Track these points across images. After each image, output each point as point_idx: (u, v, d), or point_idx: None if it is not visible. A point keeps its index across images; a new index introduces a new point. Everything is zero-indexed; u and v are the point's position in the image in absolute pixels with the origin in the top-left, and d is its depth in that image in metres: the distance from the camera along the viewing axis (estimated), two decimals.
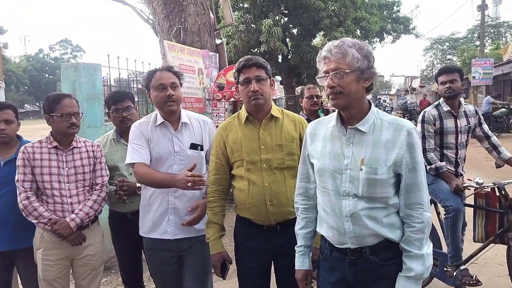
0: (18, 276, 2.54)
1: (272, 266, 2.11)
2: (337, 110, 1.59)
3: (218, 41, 6.70)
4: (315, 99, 3.60)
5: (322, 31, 15.08)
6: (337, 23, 13.74)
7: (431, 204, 2.98)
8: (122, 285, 2.88)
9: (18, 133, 2.56)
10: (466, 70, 18.23)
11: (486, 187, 2.92)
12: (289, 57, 15.62)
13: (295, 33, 16.10)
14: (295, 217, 1.86)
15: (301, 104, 3.76)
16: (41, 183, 2.26)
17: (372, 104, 1.59)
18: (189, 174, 1.90)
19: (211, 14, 6.44)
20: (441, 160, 3.10)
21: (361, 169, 1.50)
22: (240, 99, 5.21)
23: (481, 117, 3.23)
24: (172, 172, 2.12)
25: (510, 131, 13.93)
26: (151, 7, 6.22)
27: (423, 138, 3.08)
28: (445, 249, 3.07)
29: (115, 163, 2.63)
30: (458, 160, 3.14)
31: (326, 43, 1.59)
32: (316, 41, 17.46)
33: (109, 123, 3.91)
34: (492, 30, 38.57)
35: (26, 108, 57.93)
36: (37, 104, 56.90)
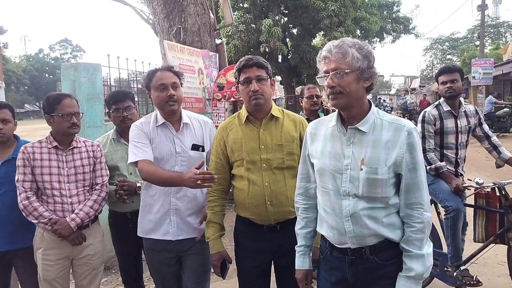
0: (17, 277, 2.53)
1: (272, 266, 2.11)
2: (337, 110, 1.59)
3: (218, 41, 6.70)
4: (315, 99, 3.60)
5: (322, 31, 15.08)
6: (337, 23, 13.73)
7: (431, 204, 2.98)
8: (122, 285, 2.88)
9: (18, 133, 2.56)
10: (466, 70, 18.21)
11: (486, 187, 2.92)
12: (289, 57, 15.62)
13: (295, 33, 16.10)
14: (295, 217, 1.86)
15: (301, 104, 3.76)
16: (41, 183, 2.26)
17: (372, 104, 1.59)
18: (197, 172, 1.85)
19: (211, 14, 6.44)
20: (441, 160, 3.09)
21: (361, 169, 1.50)
22: (240, 99, 5.21)
23: (482, 117, 3.23)
24: None
25: None
26: (151, 7, 6.22)
27: (423, 138, 3.07)
28: (445, 249, 3.06)
29: (115, 163, 2.63)
30: (458, 160, 3.14)
31: (326, 43, 1.59)
32: (316, 41, 17.46)
33: (109, 123, 3.91)
34: (492, 30, 38.57)
35: (26, 108, 57.99)
36: (37, 104, 56.89)
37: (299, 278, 1.78)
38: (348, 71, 1.47)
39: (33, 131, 18.15)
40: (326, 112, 3.62)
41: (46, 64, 62.80)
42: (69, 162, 2.32)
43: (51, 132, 2.35)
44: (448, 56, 42.64)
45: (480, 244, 2.99)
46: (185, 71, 5.06)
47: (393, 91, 54.80)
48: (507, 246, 2.85)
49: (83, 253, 2.35)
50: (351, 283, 1.60)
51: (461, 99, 3.16)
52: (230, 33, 13.51)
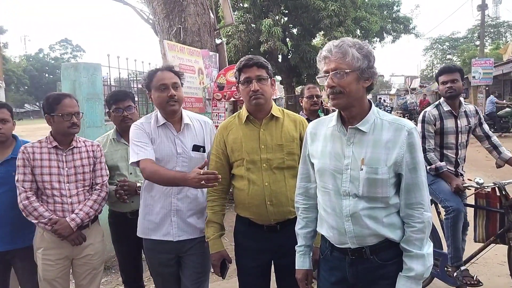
0: (17, 277, 2.53)
1: (272, 266, 2.10)
2: (337, 109, 1.59)
3: (218, 41, 6.71)
4: (315, 99, 3.60)
5: (322, 31, 15.08)
6: (337, 23, 13.73)
7: (431, 204, 2.98)
8: (122, 285, 2.88)
9: (18, 132, 2.56)
10: (466, 70, 18.19)
11: (486, 187, 2.92)
12: (289, 57, 15.62)
13: (295, 33, 16.10)
14: (295, 217, 1.86)
15: (301, 104, 3.76)
16: (41, 183, 2.26)
17: (373, 104, 1.59)
18: (201, 172, 1.84)
19: (211, 14, 6.44)
20: (441, 160, 3.09)
21: (362, 169, 1.50)
22: (240, 99, 5.20)
23: (482, 117, 3.22)
24: None
25: None
26: (151, 7, 6.23)
27: (423, 138, 3.07)
28: (446, 249, 3.06)
29: (115, 162, 2.63)
30: (458, 160, 3.14)
31: (326, 43, 1.59)
32: (316, 41, 17.46)
33: (109, 123, 3.91)
34: (492, 30, 38.58)
35: (26, 108, 57.97)
36: (37, 104, 56.86)
37: (299, 278, 1.78)
38: (348, 71, 1.46)
39: (33, 131, 18.15)
40: (326, 112, 3.62)
41: (46, 64, 62.81)
42: (69, 162, 2.32)
43: (51, 132, 2.34)
44: (448, 56, 42.65)
45: (480, 244, 2.98)
46: (185, 71, 5.06)
47: (393, 91, 54.79)
48: (507, 246, 2.85)
49: (83, 253, 2.35)
50: (351, 283, 1.60)
51: (461, 99, 3.16)
52: (230, 33, 13.51)
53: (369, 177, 1.49)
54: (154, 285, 2.39)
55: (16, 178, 2.26)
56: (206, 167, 1.98)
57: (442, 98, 3.14)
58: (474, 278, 2.85)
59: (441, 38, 43.13)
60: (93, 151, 2.42)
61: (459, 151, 3.12)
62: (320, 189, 1.64)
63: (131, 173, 2.64)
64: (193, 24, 5.94)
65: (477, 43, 28.61)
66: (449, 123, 3.08)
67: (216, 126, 2.35)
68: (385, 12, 19.21)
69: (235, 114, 2.16)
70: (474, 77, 17.25)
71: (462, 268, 2.91)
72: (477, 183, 2.90)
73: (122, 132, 2.69)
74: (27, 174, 2.25)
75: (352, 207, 1.52)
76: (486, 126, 3.23)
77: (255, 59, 1.99)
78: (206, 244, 2.09)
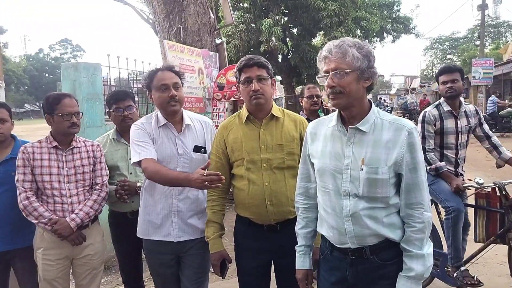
0: (16, 277, 2.52)
1: (272, 266, 2.10)
2: (337, 109, 1.59)
3: (218, 41, 6.71)
4: (315, 98, 3.60)
5: (322, 31, 15.08)
6: (337, 23, 13.73)
7: (431, 204, 2.98)
8: (122, 285, 2.88)
9: (18, 132, 2.56)
10: (466, 70, 18.18)
11: (486, 187, 2.91)
12: (289, 56, 15.62)
13: (295, 32, 16.10)
14: (295, 217, 1.85)
15: (301, 104, 3.76)
16: (41, 183, 2.26)
17: (373, 104, 1.59)
18: (205, 174, 1.82)
19: (211, 14, 6.44)
20: (441, 160, 3.09)
21: (362, 169, 1.50)
22: (240, 98, 5.19)
23: (482, 117, 3.22)
24: None
25: None
26: (151, 7, 6.23)
27: (423, 138, 3.06)
28: (446, 249, 3.06)
29: (115, 162, 2.63)
30: (458, 160, 3.14)
31: (326, 43, 1.59)
32: (316, 40, 17.46)
33: (109, 123, 3.91)
34: (492, 30, 38.59)
35: (26, 108, 57.97)
36: (37, 104, 56.86)
37: (299, 278, 1.78)
38: (348, 71, 1.46)
39: (33, 131, 18.16)
40: (326, 112, 3.62)
41: (46, 64, 62.80)
42: (69, 162, 2.32)
43: (51, 132, 2.34)
44: (448, 56, 42.65)
45: (481, 244, 2.98)
46: (185, 71, 5.06)
47: (393, 91, 54.80)
48: (507, 246, 2.85)
49: (83, 253, 2.34)
50: (352, 283, 1.60)
51: (461, 99, 3.16)
52: (230, 32, 13.51)
53: (369, 177, 1.48)
54: (154, 285, 2.39)
55: (16, 178, 2.25)
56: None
57: (442, 98, 3.14)
58: (475, 278, 2.85)
59: (441, 38, 43.13)
60: (93, 151, 2.42)
61: (459, 151, 3.12)
62: (320, 189, 1.64)
63: (131, 173, 2.64)
64: (193, 24, 5.94)
65: (477, 43, 28.61)
66: (449, 123, 3.07)
67: (216, 126, 2.34)
68: (385, 12, 19.21)
69: (235, 114, 2.16)
70: (474, 77, 17.25)
71: (462, 268, 2.90)
72: (477, 183, 2.90)
73: (122, 132, 2.69)
74: (27, 174, 2.25)
75: (352, 207, 1.52)
76: (486, 126, 3.22)
77: (255, 59, 1.99)
78: (206, 244, 2.09)
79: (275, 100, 2.24)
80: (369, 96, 1.64)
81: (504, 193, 2.84)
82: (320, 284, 1.72)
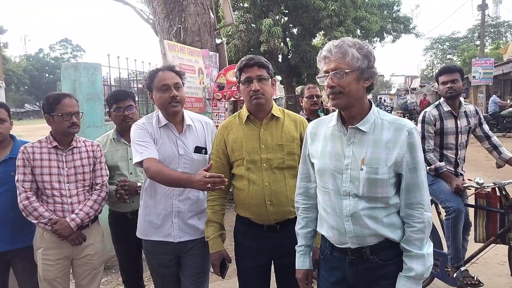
0: (16, 277, 2.52)
1: (272, 266, 2.10)
2: (337, 109, 1.59)
3: (218, 41, 6.71)
4: (315, 98, 3.60)
5: (322, 31, 15.08)
6: (337, 23, 13.74)
7: (431, 204, 2.98)
8: (122, 285, 2.88)
9: (18, 132, 2.55)
10: (466, 70, 18.21)
11: (486, 187, 2.91)
12: (289, 56, 15.62)
13: (295, 32, 16.10)
14: (295, 217, 1.86)
15: (301, 104, 3.76)
16: (41, 183, 2.26)
17: (373, 104, 1.59)
18: (207, 175, 1.81)
19: (211, 14, 6.44)
20: (441, 161, 3.08)
21: (362, 169, 1.50)
22: (241, 98, 5.19)
23: (482, 117, 3.22)
24: None
25: None
26: (151, 7, 6.23)
27: (423, 138, 3.06)
28: (446, 249, 3.06)
29: (116, 162, 2.63)
30: (458, 160, 3.13)
31: (326, 43, 1.59)
32: (316, 40, 17.46)
33: (109, 123, 3.91)
34: (492, 30, 38.58)
35: (26, 108, 57.97)
36: (37, 104, 56.85)
37: (299, 278, 1.78)
38: (348, 71, 1.46)
39: (33, 131, 18.16)
40: (326, 112, 3.62)
41: (46, 64, 62.80)
42: (69, 162, 2.32)
43: (51, 132, 2.34)
44: (449, 56, 42.64)
45: (481, 244, 2.98)
46: (186, 70, 5.06)
47: (393, 91, 54.79)
48: (507, 246, 2.85)
49: (83, 253, 2.35)
50: (351, 283, 1.60)
51: (461, 99, 3.15)
52: (230, 32, 13.51)
53: (369, 177, 1.48)
54: (154, 286, 2.38)
55: (16, 178, 2.26)
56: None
57: (442, 98, 3.13)
58: (475, 279, 2.85)
59: (441, 38, 43.13)
60: (93, 151, 2.42)
61: (459, 152, 3.12)
62: (320, 189, 1.64)
63: (131, 173, 2.64)
64: (193, 24, 5.93)
65: (477, 43, 28.61)
66: (449, 124, 3.07)
67: (217, 126, 2.34)
68: (385, 12, 19.22)
69: (235, 113, 2.16)
70: (474, 77, 17.25)
71: (462, 268, 2.90)
72: (477, 183, 2.90)
73: (123, 132, 2.69)
74: (27, 174, 2.25)
75: (352, 207, 1.52)
76: (486, 126, 3.22)
77: (256, 59, 1.99)
78: (206, 244, 2.09)
79: (275, 100, 2.24)
80: (369, 96, 1.64)
81: (504, 193, 2.84)
82: (320, 284, 1.72)
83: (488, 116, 13.60)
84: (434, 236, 3.15)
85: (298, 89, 16.80)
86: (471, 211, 3.07)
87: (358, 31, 16.11)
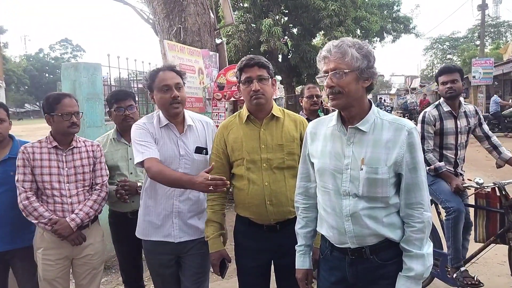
0: (15, 277, 2.52)
1: (272, 266, 2.11)
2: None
3: (218, 41, 6.71)
4: (315, 98, 3.60)
5: (322, 31, 15.09)
6: (337, 23, 13.74)
7: (431, 204, 2.98)
8: (122, 284, 2.88)
9: (18, 132, 2.56)
10: (466, 70, 18.23)
11: (486, 187, 2.91)
12: (289, 56, 15.62)
13: (295, 32, 16.10)
14: (295, 217, 1.86)
15: (301, 104, 3.76)
16: (41, 183, 2.26)
17: (373, 103, 1.59)
18: (209, 178, 1.80)
19: (211, 14, 6.44)
20: (440, 161, 3.08)
21: (362, 169, 1.50)
22: (241, 98, 5.19)
23: (481, 117, 3.22)
24: None
25: None
26: (151, 7, 6.23)
27: (422, 139, 3.05)
28: (446, 249, 3.06)
29: (116, 162, 2.63)
30: (458, 160, 3.13)
31: (326, 43, 1.59)
32: (316, 40, 17.46)
33: (109, 123, 3.92)
34: (492, 30, 38.58)
35: (26, 108, 57.98)
36: (37, 103, 56.82)
37: (299, 278, 1.78)
38: (347, 71, 1.46)
39: (33, 131, 18.17)
40: (326, 112, 3.62)
41: (46, 64, 62.79)
42: (69, 162, 2.32)
43: (51, 132, 2.34)
44: (449, 56, 42.63)
45: (481, 244, 2.98)
46: (186, 71, 5.02)
47: (393, 91, 54.79)
48: (507, 246, 2.85)
49: (83, 253, 2.35)
50: (351, 283, 1.60)
51: (461, 99, 3.15)
52: (230, 32, 13.51)
53: (369, 177, 1.49)
54: (153, 286, 2.38)
55: (16, 178, 2.26)
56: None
57: (442, 99, 3.13)
58: (474, 279, 2.85)
59: (441, 38, 43.12)
60: (93, 151, 2.42)
61: (459, 152, 3.11)
62: (320, 189, 1.64)
63: (131, 173, 2.64)
64: (193, 24, 5.94)
65: (477, 42, 28.60)
66: (449, 124, 3.07)
67: (217, 126, 2.34)
68: (385, 11, 19.22)
69: (235, 113, 2.16)
70: (474, 77, 17.25)
71: (462, 269, 2.90)
72: (477, 183, 2.89)
73: (123, 132, 2.69)
74: (27, 174, 2.25)
75: (352, 207, 1.52)
76: (485, 126, 3.22)
77: (256, 59, 1.99)
78: (207, 244, 2.09)
79: (275, 100, 2.24)
80: (369, 96, 1.64)
81: (504, 193, 2.84)
82: (320, 284, 1.72)
83: (490, 116, 13.55)
84: (434, 236, 3.15)
85: (298, 89, 16.81)
86: (472, 211, 3.07)
87: (358, 31, 16.11)
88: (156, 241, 2.16)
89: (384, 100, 37.49)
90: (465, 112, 3.11)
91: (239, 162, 2.03)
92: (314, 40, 16.96)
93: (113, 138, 2.69)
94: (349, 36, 1.77)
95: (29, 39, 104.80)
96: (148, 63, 5.43)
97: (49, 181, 2.26)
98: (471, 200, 3.10)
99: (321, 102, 3.76)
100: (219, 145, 2.08)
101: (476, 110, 3.19)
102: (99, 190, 2.40)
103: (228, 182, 1.84)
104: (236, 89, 2.20)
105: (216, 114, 5.62)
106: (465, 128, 3.09)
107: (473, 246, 3.08)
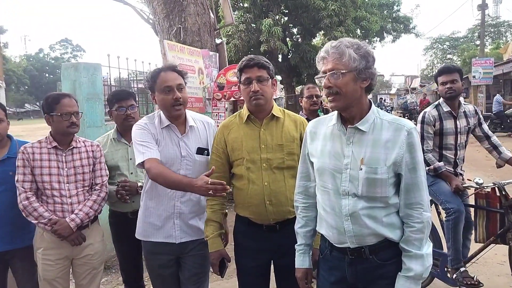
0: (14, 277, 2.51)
1: (272, 266, 2.11)
2: None
3: (218, 41, 6.71)
4: (315, 98, 3.60)
5: (322, 31, 15.09)
6: (337, 23, 13.74)
7: (431, 205, 2.98)
8: (122, 284, 2.88)
9: (18, 132, 2.56)
10: (466, 70, 18.26)
11: (486, 187, 2.91)
12: (289, 56, 15.62)
13: (295, 32, 16.11)
14: (295, 217, 1.86)
15: (301, 104, 3.76)
16: (41, 183, 2.26)
17: (373, 103, 1.59)
18: (209, 182, 1.78)
19: (211, 14, 6.44)
20: (440, 161, 3.08)
21: (361, 169, 1.50)
22: (241, 98, 5.19)
23: (481, 117, 3.22)
24: None
25: None
26: (151, 7, 6.23)
27: (422, 139, 3.05)
28: (445, 249, 3.05)
29: (116, 162, 2.63)
30: (457, 160, 3.13)
31: (326, 43, 1.59)
32: (316, 40, 17.46)
33: (109, 123, 3.92)
34: (492, 30, 38.56)
35: (26, 108, 57.97)
36: (37, 103, 56.77)
37: (299, 277, 1.78)
38: (344, 71, 1.46)
39: (33, 131, 18.17)
40: (326, 112, 3.63)
41: (46, 64, 62.79)
42: (69, 162, 2.32)
43: (50, 132, 2.34)
44: (449, 56, 42.61)
45: (481, 244, 2.98)
46: (186, 70, 5.05)
47: (393, 91, 54.79)
48: (507, 246, 2.85)
49: (83, 253, 2.35)
50: (351, 282, 1.60)
51: (461, 99, 3.15)
52: (230, 32, 13.51)
53: (368, 177, 1.49)
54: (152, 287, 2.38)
55: (16, 178, 2.26)
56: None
57: (441, 99, 3.13)
58: (474, 279, 2.85)
59: (441, 37, 43.10)
60: (92, 151, 2.42)
61: (458, 152, 3.11)
62: (320, 188, 1.64)
63: (131, 173, 2.64)
64: (193, 24, 5.94)
65: (477, 42, 28.60)
66: (449, 124, 3.07)
67: (217, 126, 2.34)
68: (385, 11, 19.23)
69: (236, 113, 2.16)
70: (474, 76, 17.25)
71: (462, 269, 2.90)
72: (477, 183, 2.89)
73: (123, 132, 2.69)
74: (27, 175, 2.25)
75: (352, 206, 1.52)
76: (485, 126, 3.22)
77: (256, 59, 1.98)
78: (207, 244, 2.09)
79: (275, 100, 2.24)
80: (369, 96, 1.64)
81: (503, 193, 2.84)
82: (320, 284, 1.73)
83: (492, 115, 13.50)
84: (434, 236, 3.15)
85: (298, 89, 16.80)
86: (472, 211, 3.07)
87: (358, 31, 16.11)
88: (157, 242, 2.16)
89: (385, 100, 37.47)
90: (464, 112, 3.11)
91: (239, 162, 2.03)
92: (314, 40, 16.96)
93: (113, 138, 2.69)
94: (349, 36, 1.77)
95: (29, 39, 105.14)
96: (148, 63, 5.44)
97: (49, 181, 2.26)
98: (471, 200, 3.10)
99: (321, 102, 3.77)
100: (219, 144, 2.08)
101: (475, 110, 3.19)
102: (99, 190, 2.40)
103: (228, 187, 1.82)
104: (236, 89, 2.20)
105: (216, 114, 5.63)
106: (464, 128, 3.09)
107: (473, 246, 3.08)
